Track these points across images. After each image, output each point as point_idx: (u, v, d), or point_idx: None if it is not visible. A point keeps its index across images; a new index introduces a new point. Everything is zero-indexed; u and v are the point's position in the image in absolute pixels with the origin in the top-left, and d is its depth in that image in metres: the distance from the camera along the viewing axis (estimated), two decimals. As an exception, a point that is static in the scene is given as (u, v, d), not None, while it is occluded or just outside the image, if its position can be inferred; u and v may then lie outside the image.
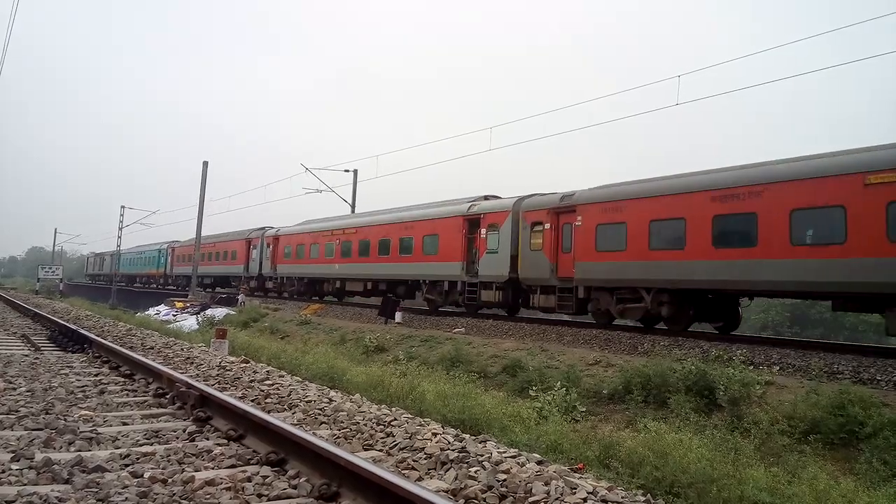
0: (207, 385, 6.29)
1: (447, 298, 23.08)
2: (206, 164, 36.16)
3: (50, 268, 62.78)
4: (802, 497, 6.59)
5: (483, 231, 20.97)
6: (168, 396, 6.19)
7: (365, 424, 5.21)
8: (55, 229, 79.65)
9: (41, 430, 4.82)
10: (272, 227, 38.17)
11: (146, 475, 3.72)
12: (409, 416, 5.76)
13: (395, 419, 5.43)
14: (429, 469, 4.13)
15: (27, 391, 6.37)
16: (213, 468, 4.03)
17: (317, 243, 31.60)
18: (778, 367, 11.87)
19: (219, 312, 29.60)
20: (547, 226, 18.57)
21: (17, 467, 3.81)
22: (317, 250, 31.44)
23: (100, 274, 75.26)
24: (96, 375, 7.75)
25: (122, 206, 53.84)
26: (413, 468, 4.13)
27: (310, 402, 6.17)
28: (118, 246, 56.65)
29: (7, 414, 5.32)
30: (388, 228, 26.02)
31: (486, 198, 22.69)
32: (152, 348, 10.65)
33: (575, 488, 3.67)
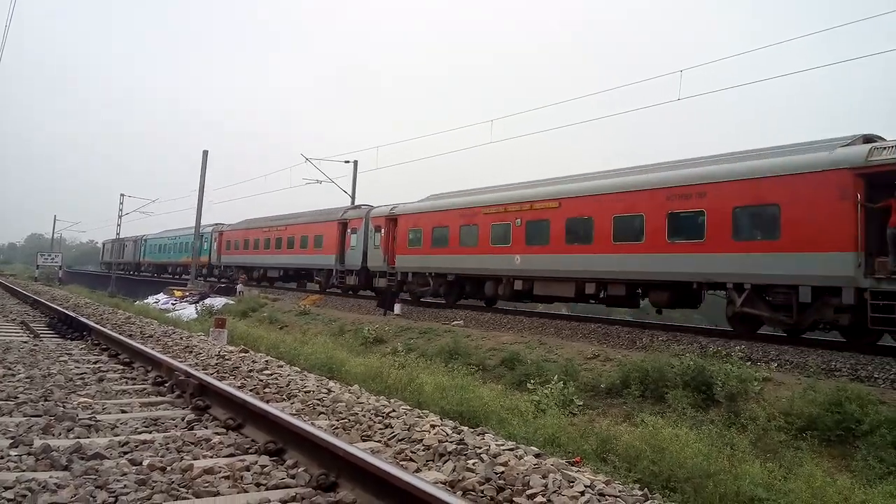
0: (206, 374, 6.30)
1: (802, 316, 13.10)
2: (206, 152, 36.26)
3: (49, 255, 62.30)
4: (798, 493, 6.61)
5: None
6: (167, 385, 6.20)
7: (363, 415, 5.22)
8: (54, 216, 79.78)
9: (40, 416, 4.84)
10: (372, 205, 29.25)
11: (145, 463, 3.73)
12: (408, 407, 5.76)
13: (394, 410, 5.44)
14: (427, 460, 4.13)
15: (26, 378, 6.38)
16: (211, 457, 4.03)
17: (473, 225, 21.63)
18: (776, 364, 11.91)
19: (218, 302, 29.70)
20: None
21: (16, 453, 3.82)
22: (472, 235, 21.60)
23: (120, 262, 63.85)
24: (95, 363, 7.76)
25: (122, 195, 53.97)
26: (411, 459, 4.14)
27: (308, 392, 6.18)
28: (117, 234, 56.58)
29: (6, 400, 5.33)
30: (637, 198, 16.14)
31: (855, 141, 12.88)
32: (151, 336, 10.65)
33: (572, 481, 3.67)
